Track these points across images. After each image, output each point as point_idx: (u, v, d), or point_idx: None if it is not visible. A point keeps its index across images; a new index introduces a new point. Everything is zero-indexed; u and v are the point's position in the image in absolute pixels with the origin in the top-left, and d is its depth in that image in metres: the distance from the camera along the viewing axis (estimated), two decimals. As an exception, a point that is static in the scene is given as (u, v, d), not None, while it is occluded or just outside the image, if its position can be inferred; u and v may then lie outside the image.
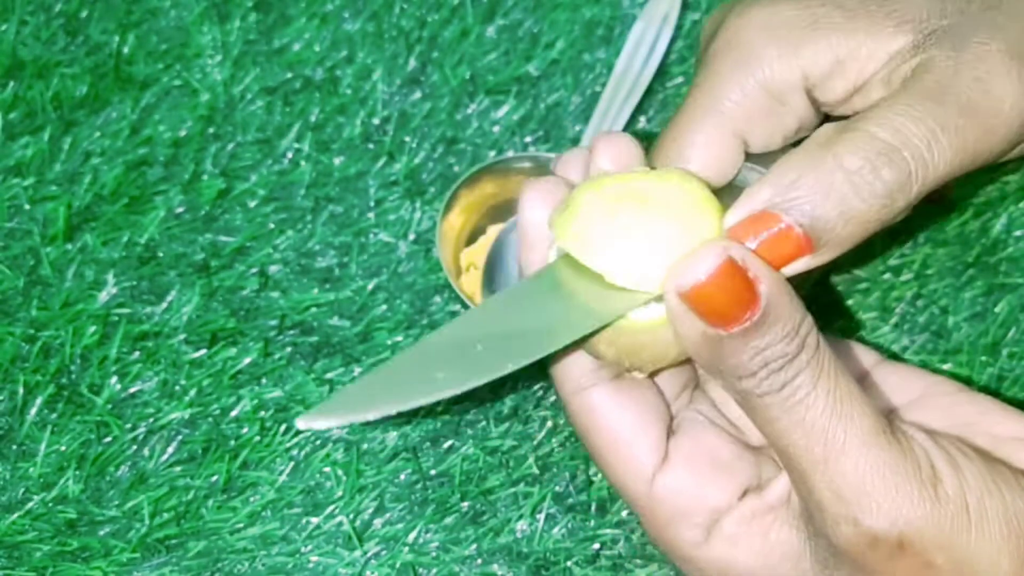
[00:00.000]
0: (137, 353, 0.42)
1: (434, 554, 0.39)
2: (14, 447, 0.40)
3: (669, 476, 0.29)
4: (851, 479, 0.24)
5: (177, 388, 0.41)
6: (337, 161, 0.47)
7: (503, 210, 0.45)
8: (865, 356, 0.33)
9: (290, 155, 0.47)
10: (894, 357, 0.43)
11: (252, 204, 0.45)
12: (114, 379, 0.41)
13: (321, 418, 0.24)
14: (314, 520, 0.39)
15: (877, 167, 0.26)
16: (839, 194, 0.26)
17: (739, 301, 0.24)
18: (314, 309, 0.43)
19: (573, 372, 0.29)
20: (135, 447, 0.40)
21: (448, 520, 0.39)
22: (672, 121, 0.32)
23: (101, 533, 0.39)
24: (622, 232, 0.26)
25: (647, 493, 0.29)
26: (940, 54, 0.29)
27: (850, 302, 0.44)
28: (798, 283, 0.26)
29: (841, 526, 0.25)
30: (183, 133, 0.47)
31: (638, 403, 0.29)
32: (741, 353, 0.24)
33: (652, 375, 0.30)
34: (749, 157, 0.32)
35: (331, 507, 0.39)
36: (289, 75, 0.49)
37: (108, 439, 0.40)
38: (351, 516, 0.39)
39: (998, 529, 0.25)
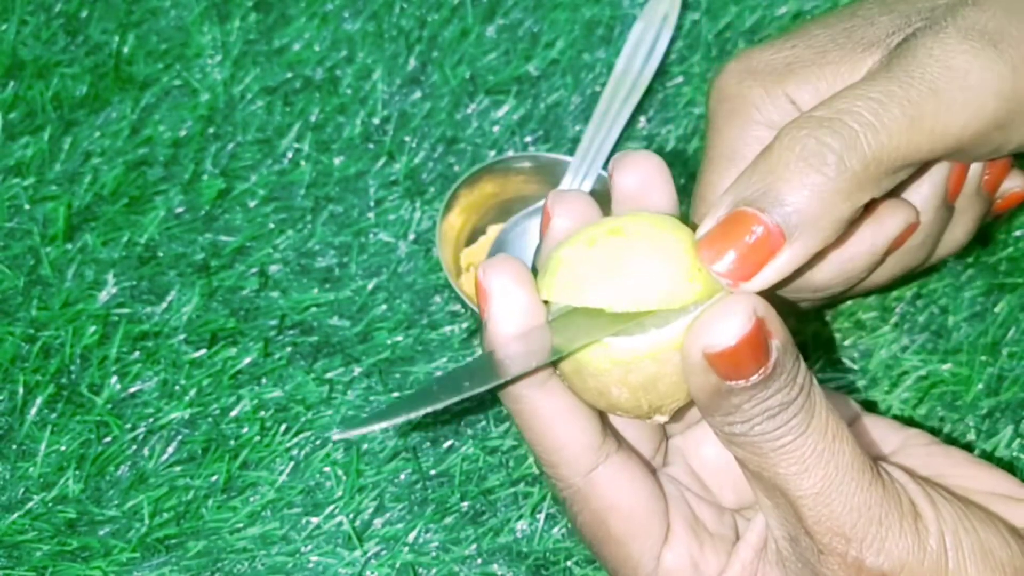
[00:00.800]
0: (137, 353, 0.42)
1: (434, 554, 0.39)
2: (14, 447, 0.40)
3: (673, 552, 0.28)
4: (840, 513, 0.25)
5: (177, 388, 0.41)
6: (337, 161, 0.47)
7: (503, 210, 0.45)
8: (846, 409, 0.33)
9: (290, 155, 0.47)
10: (894, 357, 0.43)
11: (252, 204, 0.45)
12: (114, 379, 0.41)
13: (353, 429, 0.25)
14: (314, 520, 0.39)
15: (820, 136, 0.26)
16: (792, 171, 0.26)
17: (755, 360, 0.24)
18: (314, 309, 0.43)
19: (581, 453, 0.28)
20: (135, 447, 0.40)
21: (448, 520, 0.39)
22: (698, 187, 0.33)
23: (101, 533, 0.39)
24: (607, 262, 0.26)
25: (654, 571, 0.28)
26: (896, 50, 0.29)
27: (850, 302, 0.44)
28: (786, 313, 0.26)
29: (830, 556, 0.26)
30: (183, 133, 0.47)
31: (644, 473, 0.29)
32: (744, 402, 0.24)
33: (673, 417, 0.29)
34: None
35: (331, 507, 0.39)
36: (289, 75, 0.49)
37: (108, 439, 0.40)
38: (351, 516, 0.39)
39: (973, 564, 0.26)
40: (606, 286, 0.26)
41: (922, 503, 0.26)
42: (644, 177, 0.29)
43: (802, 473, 0.25)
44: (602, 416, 0.29)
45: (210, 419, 0.41)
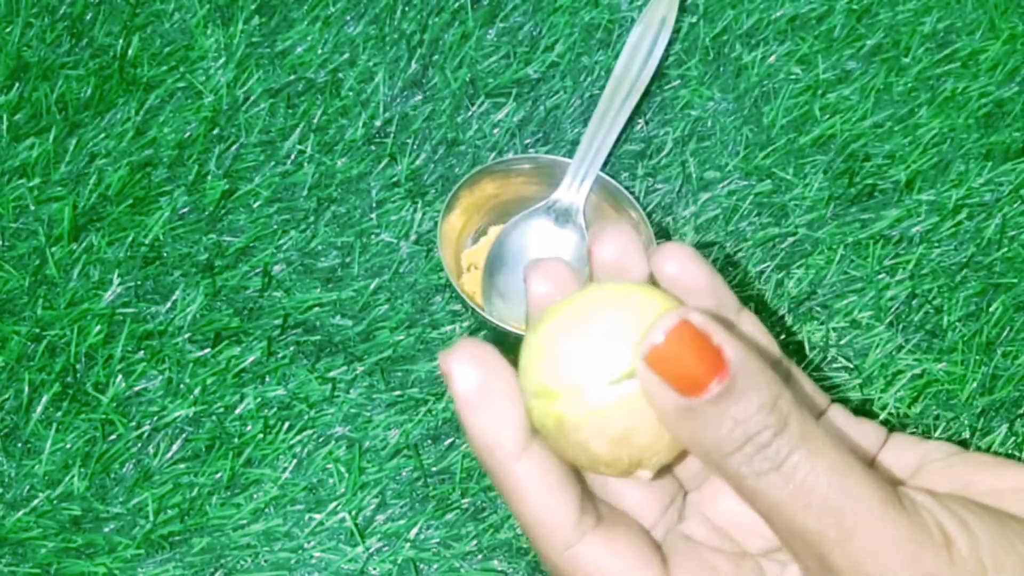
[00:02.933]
0: (142, 352, 0.42)
1: (435, 550, 0.39)
2: (20, 445, 0.40)
3: None
4: (868, 556, 0.24)
5: (181, 386, 0.41)
6: (340, 162, 0.47)
7: (503, 211, 0.46)
8: (872, 437, 0.32)
9: (293, 156, 0.47)
10: (889, 356, 0.43)
11: (256, 205, 0.46)
12: (119, 377, 0.41)
13: None
14: (317, 516, 0.39)
15: None
16: None
17: (704, 366, 0.23)
18: (317, 308, 0.44)
19: (558, 531, 0.27)
20: (140, 445, 0.40)
21: (449, 516, 0.40)
22: None
23: (106, 530, 0.39)
24: (580, 338, 0.26)
25: None
26: None
27: (845, 302, 0.45)
28: None
29: None
30: (187, 135, 0.47)
31: (628, 543, 0.28)
32: (719, 425, 0.24)
33: (659, 474, 0.29)
34: None
35: (333, 504, 0.40)
36: (292, 77, 0.49)
37: (113, 437, 0.40)
38: (353, 512, 0.39)
39: None
40: (577, 357, 0.26)
41: (952, 528, 0.25)
42: (621, 248, 0.29)
43: (822, 517, 0.24)
44: (584, 489, 0.28)
45: (214, 417, 0.41)
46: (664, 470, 0.28)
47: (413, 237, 0.45)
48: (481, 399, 0.26)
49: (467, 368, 0.26)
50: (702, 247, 0.46)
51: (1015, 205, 0.47)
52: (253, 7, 0.51)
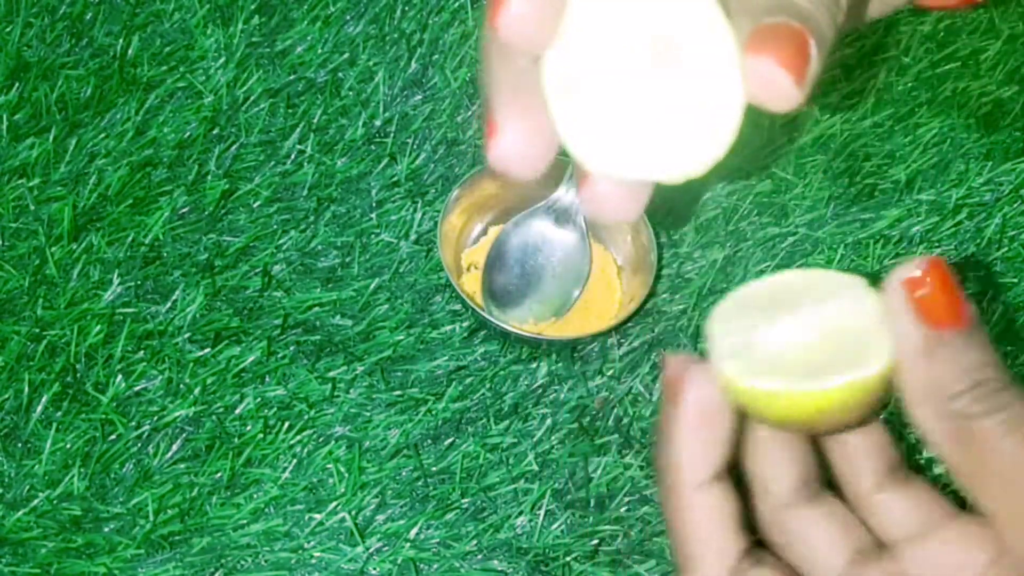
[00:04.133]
0: (142, 352, 0.42)
1: (435, 550, 0.39)
2: (19, 445, 0.40)
3: None
4: None
5: (181, 386, 0.42)
6: (340, 162, 0.47)
7: (503, 211, 0.46)
8: None
9: (293, 156, 0.47)
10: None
11: (256, 205, 0.46)
12: (119, 377, 0.41)
13: None
14: (317, 516, 0.39)
15: None
16: None
17: (953, 304, 0.25)
18: (317, 308, 0.44)
19: (718, 567, 0.27)
20: (140, 444, 0.40)
21: (449, 516, 0.40)
22: None
23: (106, 530, 0.39)
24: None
25: None
26: None
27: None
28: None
29: None
30: (187, 135, 0.47)
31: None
32: (956, 364, 0.25)
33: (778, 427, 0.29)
34: None
35: (333, 503, 0.40)
36: (292, 77, 0.49)
37: (113, 437, 0.41)
38: (353, 512, 0.40)
39: None
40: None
41: None
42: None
43: (1006, 487, 0.25)
44: (751, 539, 0.28)
45: (214, 417, 0.41)
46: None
47: (413, 237, 0.45)
48: (703, 421, 0.27)
49: (704, 389, 0.27)
50: (702, 247, 0.46)
51: (1015, 205, 0.47)
52: (253, 7, 0.51)
